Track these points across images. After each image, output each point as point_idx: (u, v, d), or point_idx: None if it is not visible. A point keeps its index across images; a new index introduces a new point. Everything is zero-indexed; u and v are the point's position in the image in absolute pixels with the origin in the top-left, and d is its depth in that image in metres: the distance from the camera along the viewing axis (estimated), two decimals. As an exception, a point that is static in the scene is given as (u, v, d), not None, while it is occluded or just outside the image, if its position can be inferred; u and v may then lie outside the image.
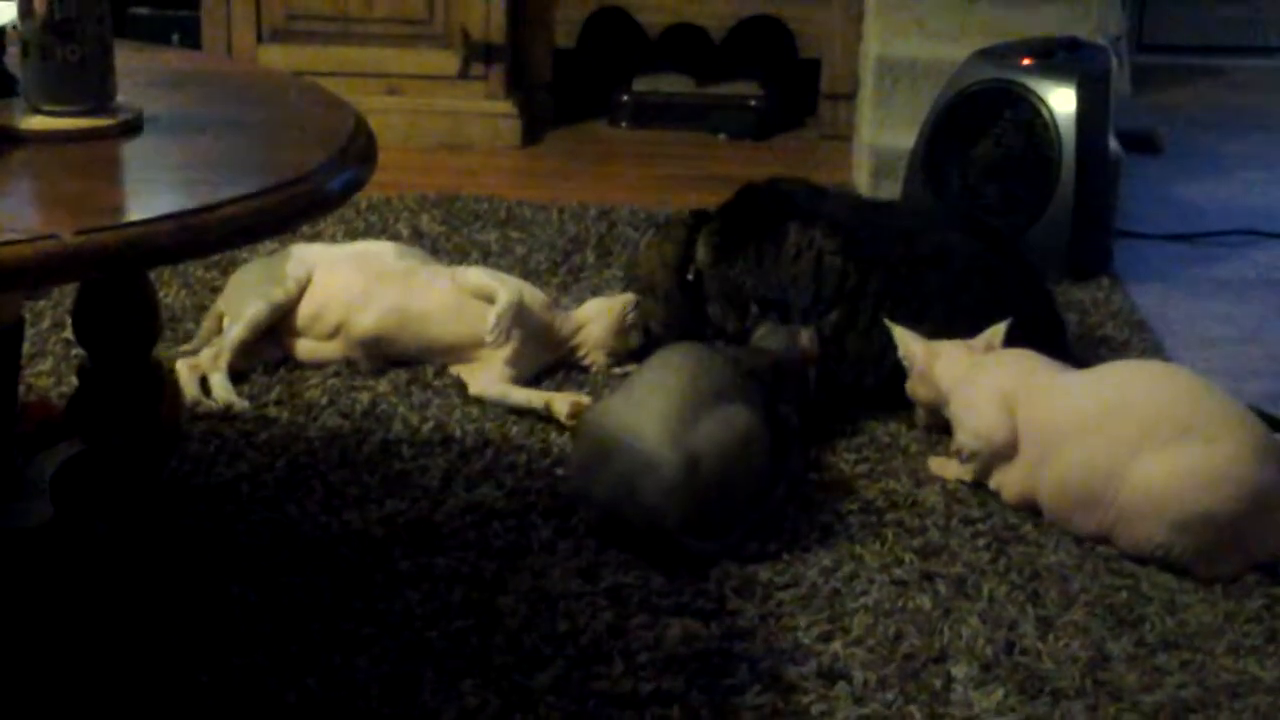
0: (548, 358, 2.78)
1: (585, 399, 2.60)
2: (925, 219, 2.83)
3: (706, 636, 2.00)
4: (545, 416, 2.59)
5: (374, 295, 2.74)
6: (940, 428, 2.53)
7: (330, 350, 2.74)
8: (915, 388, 2.52)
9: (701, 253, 2.83)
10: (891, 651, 2.00)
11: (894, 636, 2.03)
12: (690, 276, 2.83)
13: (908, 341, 2.52)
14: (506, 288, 2.74)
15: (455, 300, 2.75)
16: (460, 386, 2.68)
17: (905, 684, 1.93)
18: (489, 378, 2.67)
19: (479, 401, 2.63)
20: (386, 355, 2.75)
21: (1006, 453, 2.35)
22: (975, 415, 2.38)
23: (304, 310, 2.74)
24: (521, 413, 2.60)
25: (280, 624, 2.00)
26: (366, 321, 2.73)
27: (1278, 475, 2.19)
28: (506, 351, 2.69)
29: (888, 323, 2.55)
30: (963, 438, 2.40)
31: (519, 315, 2.71)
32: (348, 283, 2.74)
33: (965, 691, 1.92)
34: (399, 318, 2.73)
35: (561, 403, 2.59)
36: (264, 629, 1.98)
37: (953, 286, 2.61)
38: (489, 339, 2.69)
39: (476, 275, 2.79)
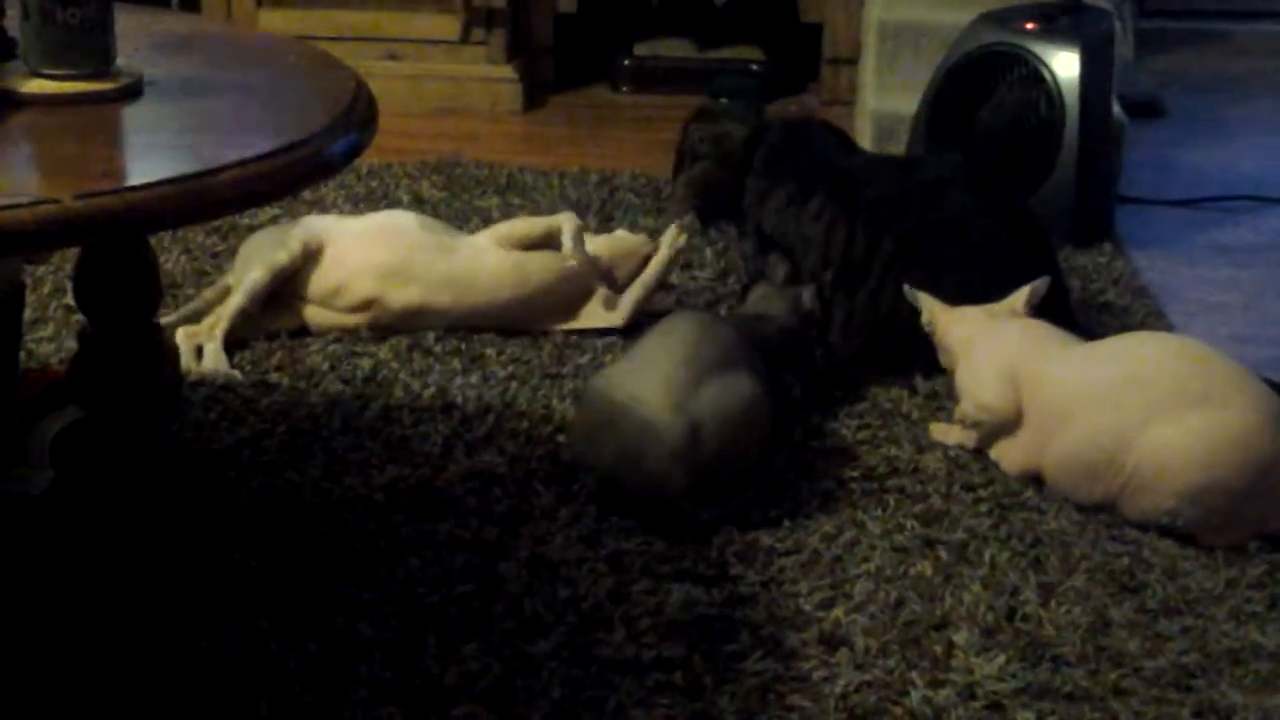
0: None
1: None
2: (945, 179, 2.76)
3: (708, 602, 2.01)
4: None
5: (414, 268, 2.72)
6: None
7: (351, 321, 2.72)
8: (941, 354, 2.50)
9: (755, 164, 2.84)
10: (893, 618, 2.00)
11: (895, 603, 2.03)
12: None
13: (931, 306, 2.49)
14: (562, 215, 2.81)
15: (508, 265, 2.76)
16: (460, 352, 2.68)
17: (906, 650, 1.94)
18: (611, 304, 2.78)
19: (482, 367, 2.63)
20: (424, 325, 2.74)
21: (1010, 426, 2.34)
22: (980, 386, 2.37)
23: (323, 284, 2.71)
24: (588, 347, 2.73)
25: (281, 589, 2.00)
26: (409, 295, 2.71)
27: None
28: (602, 292, 2.78)
29: (908, 289, 2.52)
30: (967, 407, 2.40)
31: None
32: (376, 256, 2.72)
33: (966, 658, 1.92)
34: (453, 289, 2.73)
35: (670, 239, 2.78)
36: (265, 594, 1.98)
37: (967, 256, 2.58)
38: (574, 261, 2.74)
39: (523, 224, 2.82)
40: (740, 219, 2.85)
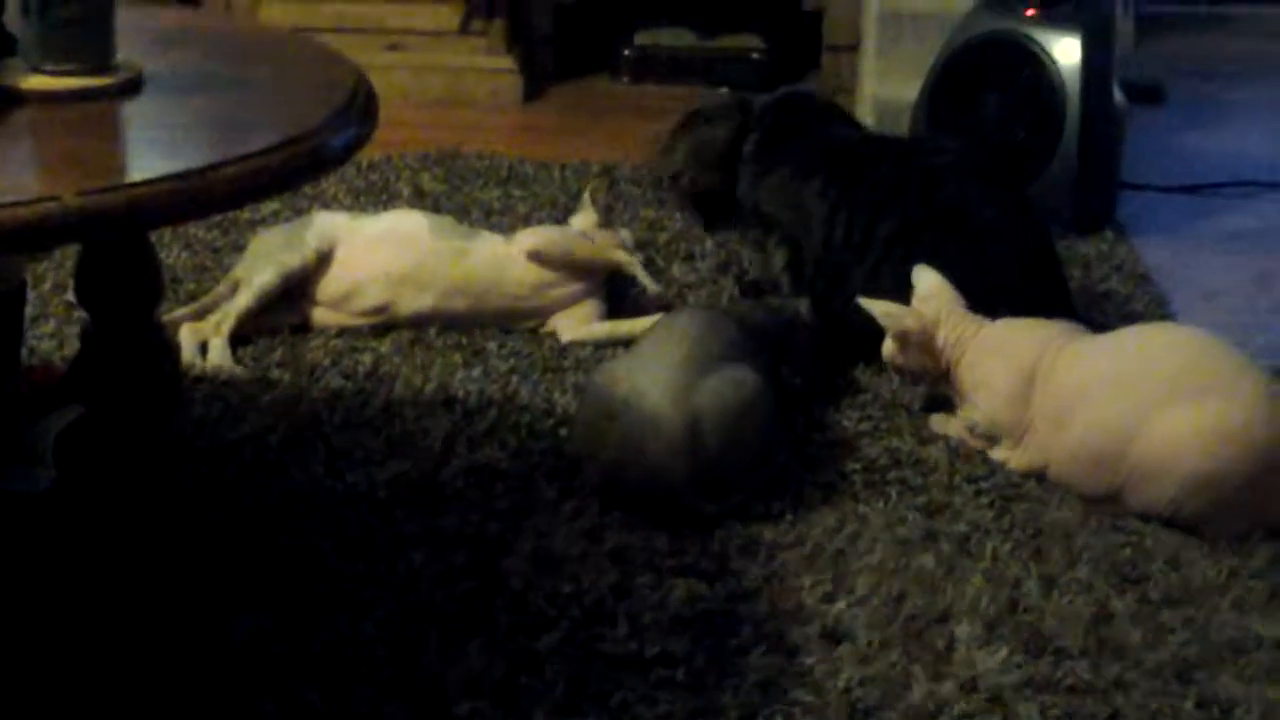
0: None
1: None
2: (946, 165, 2.71)
3: (711, 597, 2.01)
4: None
5: (426, 275, 2.72)
6: (934, 396, 2.51)
7: (356, 323, 2.72)
8: (912, 359, 2.44)
9: (746, 153, 2.84)
10: (895, 611, 2.00)
11: (897, 596, 2.03)
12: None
13: (899, 317, 2.44)
14: (620, 254, 2.80)
15: (533, 274, 2.76)
16: (461, 347, 2.68)
17: (909, 644, 1.94)
18: (587, 322, 2.76)
19: (484, 361, 2.63)
20: (437, 325, 2.75)
21: (1019, 433, 2.34)
22: (995, 396, 2.35)
23: (332, 287, 2.71)
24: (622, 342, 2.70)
25: (284, 586, 2.00)
26: (422, 301, 2.72)
27: None
28: (599, 299, 2.79)
29: (862, 301, 2.48)
30: (977, 416, 2.38)
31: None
32: (388, 263, 2.72)
33: (969, 651, 1.92)
34: (469, 295, 2.73)
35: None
36: (268, 591, 1.99)
37: (969, 250, 2.55)
38: (653, 291, 2.80)
39: (580, 251, 2.79)
40: (738, 214, 2.85)
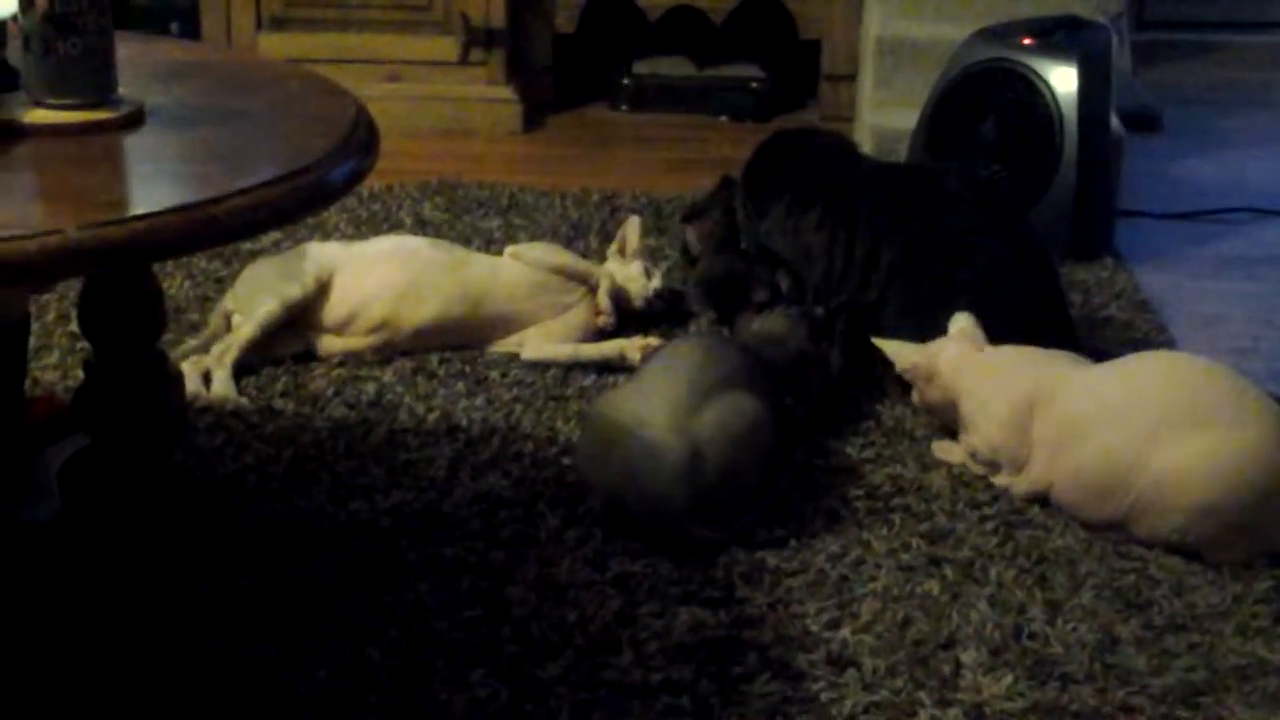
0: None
1: (655, 340, 2.75)
2: (949, 193, 2.73)
3: (715, 624, 2.01)
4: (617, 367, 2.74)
5: (427, 286, 2.76)
6: (952, 429, 2.51)
7: (362, 344, 2.74)
8: (927, 395, 2.48)
9: (741, 216, 2.91)
10: (900, 638, 2.00)
11: (902, 622, 2.03)
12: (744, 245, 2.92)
13: (905, 354, 2.47)
14: (596, 267, 2.89)
15: (529, 276, 2.82)
16: (464, 375, 2.68)
17: (914, 670, 1.94)
18: (558, 341, 2.79)
19: (487, 390, 2.64)
20: (438, 343, 2.77)
21: (1020, 460, 2.34)
22: (995, 424, 2.36)
23: (335, 311, 2.73)
24: (592, 367, 2.74)
25: (289, 616, 2.00)
26: (424, 311, 2.74)
27: None
28: (577, 317, 2.83)
29: (875, 341, 2.51)
30: (977, 441, 2.39)
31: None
32: (389, 279, 2.75)
33: (974, 677, 1.92)
34: (469, 303, 2.77)
35: (633, 349, 2.72)
36: (273, 621, 1.98)
37: (976, 279, 2.57)
38: (601, 321, 2.82)
39: (556, 255, 2.89)
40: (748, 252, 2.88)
